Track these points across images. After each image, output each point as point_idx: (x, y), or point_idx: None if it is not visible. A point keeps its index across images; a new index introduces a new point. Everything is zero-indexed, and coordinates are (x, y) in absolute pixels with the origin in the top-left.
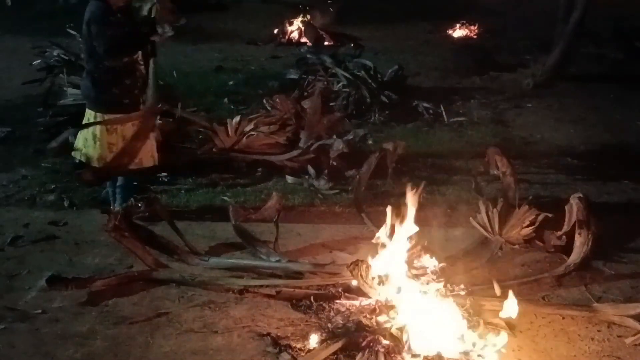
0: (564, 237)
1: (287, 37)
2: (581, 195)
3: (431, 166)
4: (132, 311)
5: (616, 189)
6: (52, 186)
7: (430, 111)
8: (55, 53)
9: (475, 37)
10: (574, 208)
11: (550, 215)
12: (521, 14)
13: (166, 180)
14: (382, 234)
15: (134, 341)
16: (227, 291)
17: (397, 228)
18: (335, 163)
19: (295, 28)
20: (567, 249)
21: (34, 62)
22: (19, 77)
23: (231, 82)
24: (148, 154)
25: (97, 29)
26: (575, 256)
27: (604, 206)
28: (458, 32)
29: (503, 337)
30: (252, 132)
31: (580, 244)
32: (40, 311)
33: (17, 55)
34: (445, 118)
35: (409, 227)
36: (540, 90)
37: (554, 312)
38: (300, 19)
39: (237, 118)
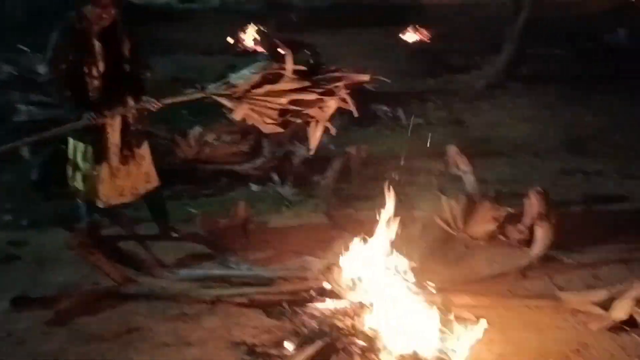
0: (525, 230)
1: (242, 47)
2: (540, 189)
3: (394, 168)
4: (103, 328)
5: (571, 182)
6: (9, 205)
7: (389, 114)
8: (5, 69)
9: (428, 40)
10: (533, 202)
11: (511, 210)
12: (471, 17)
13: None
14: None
15: (105, 358)
16: (199, 302)
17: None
18: (299, 169)
19: (249, 37)
20: (529, 242)
21: None
22: None
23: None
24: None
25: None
26: (538, 248)
27: (561, 199)
28: (411, 37)
29: (478, 330)
30: (214, 142)
31: (542, 236)
32: (5, 334)
33: None
34: (404, 121)
35: (382, 228)
36: (494, 91)
37: (521, 304)
38: (254, 27)
39: (198, 128)
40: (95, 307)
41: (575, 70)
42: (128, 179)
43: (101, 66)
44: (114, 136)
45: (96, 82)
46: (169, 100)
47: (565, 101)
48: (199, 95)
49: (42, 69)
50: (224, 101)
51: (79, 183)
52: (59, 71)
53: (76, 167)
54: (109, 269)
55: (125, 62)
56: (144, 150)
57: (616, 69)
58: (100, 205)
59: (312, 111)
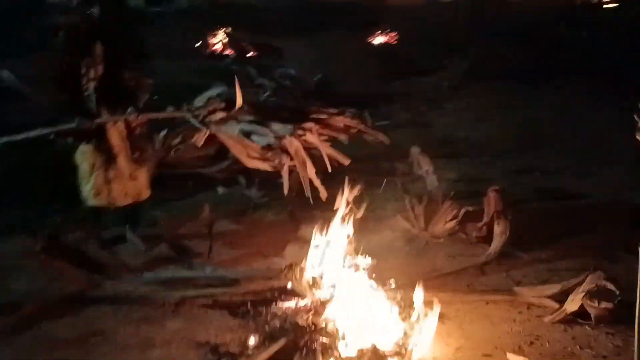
0: (484, 227)
1: (210, 50)
2: (497, 187)
3: (359, 169)
4: (67, 333)
5: (529, 179)
6: None
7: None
8: None
9: (393, 43)
10: (491, 200)
11: (471, 208)
12: (432, 19)
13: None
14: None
15: None
16: (163, 305)
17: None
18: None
19: (218, 40)
20: (488, 239)
21: None
22: None
23: (155, 97)
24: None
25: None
26: (495, 245)
27: (519, 196)
28: (377, 39)
29: (432, 322)
30: (180, 146)
31: (499, 233)
32: None
33: None
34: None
35: (340, 226)
36: (458, 92)
37: (478, 299)
38: (222, 31)
39: (164, 132)
40: (59, 312)
41: (527, 69)
42: (127, 182)
43: (99, 69)
44: (116, 139)
45: (92, 85)
46: (150, 115)
47: (522, 100)
48: (178, 114)
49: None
50: (199, 125)
51: (88, 192)
52: (57, 72)
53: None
54: (72, 274)
55: (124, 67)
56: (145, 157)
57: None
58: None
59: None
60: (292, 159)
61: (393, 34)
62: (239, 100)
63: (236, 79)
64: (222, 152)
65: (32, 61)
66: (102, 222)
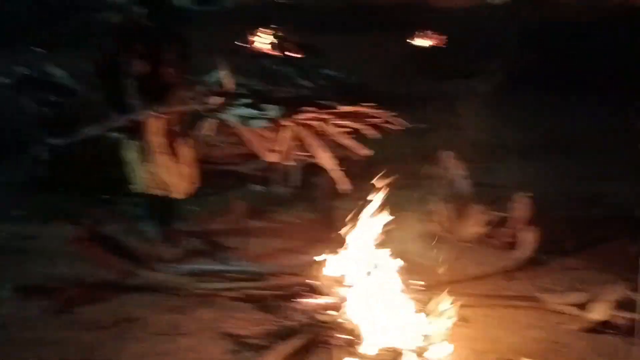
0: (512, 233)
1: (252, 49)
2: (525, 193)
3: (389, 170)
4: (103, 317)
5: (562, 186)
6: (17, 201)
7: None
8: (19, 70)
9: (436, 45)
10: (520, 206)
11: (500, 214)
12: (478, 22)
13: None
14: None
15: (105, 345)
16: (194, 296)
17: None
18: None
19: (260, 39)
20: (516, 245)
21: None
22: None
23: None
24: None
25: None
26: (522, 251)
27: (550, 203)
28: (420, 41)
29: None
30: (218, 143)
31: (527, 240)
32: (12, 320)
33: None
34: (404, 124)
35: (368, 226)
36: (497, 96)
37: (504, 304)
38: (265, 30)
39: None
40: (98, 297)
41: (577, 75)
42: (166, 176)
43: (141, 67)
44: (156, 136)
45: (134, 82)
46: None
47: (564, 106)
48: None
49: (55, 70)
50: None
51: (137, 181)
52: (102, 69)
53: (132, 166)
54: (111, 262)
55: (167, 66)
56: (184, 153)
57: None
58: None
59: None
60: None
61: (434, 36)
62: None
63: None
64: None
65: (83, 57)
66: (151, 214)
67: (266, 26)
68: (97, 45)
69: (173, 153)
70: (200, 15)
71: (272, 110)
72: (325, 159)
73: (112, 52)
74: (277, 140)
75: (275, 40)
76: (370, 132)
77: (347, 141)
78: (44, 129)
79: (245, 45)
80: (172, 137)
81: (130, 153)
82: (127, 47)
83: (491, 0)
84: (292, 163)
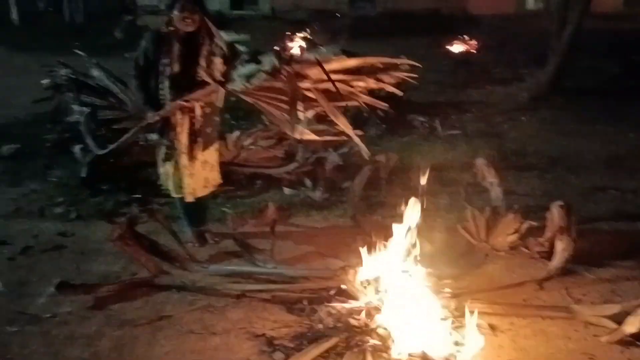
0: (546, 243)
1: (288, 54)
2: (562, 202)
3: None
4: (136, 315)
5: (603, 198)
6: (60, 199)
7: (426, 125)
8: (63, 72)
9: (472, 51)
10: (555, 215)
11: (534, 223)
12: (517, 29)
13: (168, 192)
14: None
15: (138, 342)
16: (225, 296)
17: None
18: (330, 175)
19: (296, 44)
20: (550, 255)
21: (43, 81)
22: (27, 95)
23: (233, 99)
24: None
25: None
26: (557, 261)
27: (590, 215)
28: (456, 47)
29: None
30: (251, 146)
31: (562, 249)
32: (50, 315)
33: (25, 73)
34: (440, 131)
35: (400, 232)
36: (536, 104)
37: (534, 314)
38: (301, 35)
39: (237, 132)
40: (131, 295)
41: (621, 85)
42: (192, 177)
43: (175, 67)
44: (182, 136)
45: (167, 82)
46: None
47: (608, 116)
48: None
49: (95, 72)
50: (243, 97)
51: (171, 186)
52: (140, 70)
53: (167, 172)
54: (145, 261)
55: (200, 67)
56: (209, 154)
57: None
58: (188, 198)
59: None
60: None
61: (472, 42)
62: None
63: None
64: (290, 154)
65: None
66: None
67: (301, 31)
68: (137, 47)
69: (201, 155)
70: (235, 20)
71: (267, 59)
72: (343, 123)
73: (151, 54)
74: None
75: (310, 45)
76: (389, 88)
77: (366, 98)
78: (85, 130)
79: (281, 49)
80: (201, 138)
81: (162, 155)
82: (165, 49)
83: (529, 6)
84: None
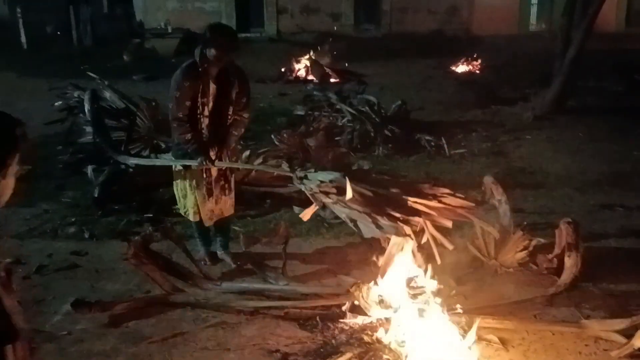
0: (555, 259)
1: (294, 75)
2: (570, 219)
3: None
4: (151, 332)
5: (609, 215)
6: (73, 219)
7: (432, 144)
8: (75, 94)
9: (477, 72)
10: (563, 232)
11: (543, 240)
12: (521, 49)
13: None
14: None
15: (153, 358)
16: (239, 313)
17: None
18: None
19: (302, 66)
20: (559, 271)
21: (56, 103)
22: (38, 118)
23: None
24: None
25: (170, 90)
26: (566, 277)
27: (597, 232)
28: (461, 68)
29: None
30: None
31: (570, 265)
32: (65, 332)
33: (36, 96)
34: (447, 150)
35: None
36: (540, 123)
37: (545, 329)
38: (306, 57)
39: (247, 152)
40: (146, 312)
41: (625, 104)
42: (217, 205)
43: (210, 106)
44: (212, 171)
45: (205, 121)
46: (261, 167)
47: (613, 135)
48: (288, 174)
49: (107, 93)
50: (309, 195)
51: (186, 208)
52: (185, 109)
53: (184, 196)
54: (159, 279)
55: (231, 103)
56: (233, 183)
57: None
58: (206, 223)
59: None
60: None
61: (476, 62)
62: (349, 194)
63: (347, 179)
64: None
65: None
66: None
67: (307, 53)
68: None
69: (222, 184)
70: (241, 42)
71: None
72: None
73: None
74: None
75: (315, 67)
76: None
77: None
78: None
79: (286, 71)
80: (224, 172)
81: (182, 182)
82: (201, 87)
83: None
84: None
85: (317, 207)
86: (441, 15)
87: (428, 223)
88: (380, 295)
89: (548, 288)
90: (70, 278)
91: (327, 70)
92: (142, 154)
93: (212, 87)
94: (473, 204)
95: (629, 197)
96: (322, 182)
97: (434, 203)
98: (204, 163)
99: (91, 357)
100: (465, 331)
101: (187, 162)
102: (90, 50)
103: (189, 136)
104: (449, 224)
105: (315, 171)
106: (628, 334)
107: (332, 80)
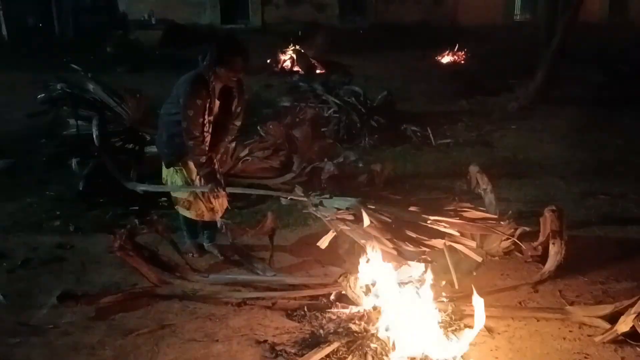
0: (539, 247)
1: (280, 66)
2: (554, 207)
3: (418, 186)
4: (138, 324)
5: (593, 203)
6: (57, 212)
7: (418, 134)
8: (58, 86)
9: (462, 62)
10: (548, 220)
11: (527, 228)
12: (506, 39)
13: (166, 204)
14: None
15: (140, 350)
16: (226, 304)
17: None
18: (326, 185)
19: (287, 57)
20: (543, 258)
21: (39, 96)
22: (20, 111)
23: None
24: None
25: (182, 107)
26: (550, 264)
27: (581, 219)
28: (446, 59)
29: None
30: (247, 157)
31: (555, 252)
32: (52, 326)
33: (17, 90)
34: (433, 141)
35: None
36: (525, 113)
37: (529, 315)
38: (292, 48)
39: (233, 144)
40: (133, 305)
41: (607, 94)
42: (217, 200)
43: (212, 119)
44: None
45: (208, 138)
46: (276, 194)
47: (596, 124)
48: (302, 199)
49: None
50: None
51: (180, 203)
52: (199, 127)
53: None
54: (146, 271)
55: (231, 118)
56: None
57: None
58: (205, 218)
59: None
60: None
61: (461, 53)
62: (366, 222)
63: (364, 213)
64: (287, 164)
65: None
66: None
67: (293, 44)
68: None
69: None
70: (228, 34)
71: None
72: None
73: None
74: None
75: (301, 58)
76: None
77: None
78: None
79: (271, 62)
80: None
81: (176, 176)
82: (207, 105)
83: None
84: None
85: (334, 234)
86: (426, 5)
87: (451, 243)
88: (367, 285)
89: (533, 275)
90: (55, 271)
91: (313, 61)
92: (127, 146)
93: (217, 103)
94: (495, 216)
95: (612, 184)
96: (338, 209)
97: (455, 220)
98: (216, 189)
99: (78, 350)
100: (452, 319)
101: (198, 189)
102: (72, 42)
103: (203, 159)
104: (440, 245)
105: (331, 197)
106: (611, 319)
107: (317, 71)
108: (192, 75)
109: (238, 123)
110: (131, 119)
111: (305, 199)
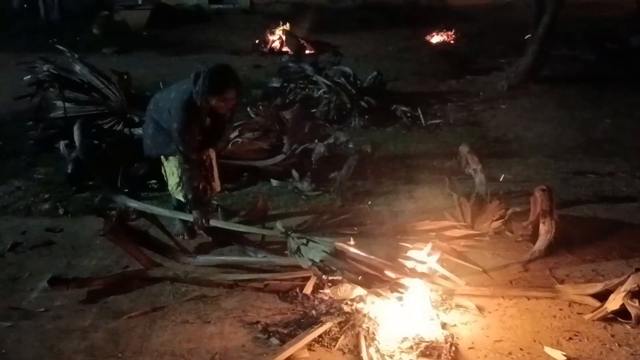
0: (530, 226)
1: (269, 47)
2: (544, 186)
3: (408, 166)
4: (130, 307)
5: (582, 182)
6: (46, 196)
7: (409, 115)
8: (45, 68)
9: (452, 42)
10: (538, 199)
11: (518, 208)
12: (495, 18)
13: (156, 187)
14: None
15: (133, 333)
16: (218, 286)
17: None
18: (317, 166)
19: (276, 38)
20: (533, 238)
21: (25, 78)
22: (5, 93)
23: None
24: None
25: (175, 131)
26: (540, 243)
27: (571, 198)
28: (436, 38)
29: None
30: (237, 139)
31: (545, 232)
32: (43, 309)
33: (3, 72)
34: (423, 121)
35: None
36: (515, 92)
37: (520, 294)
38: (281, 28)
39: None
40: (124, 287)
41: (597, 72)
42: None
43: (202, 130)
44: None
45: (197, 155)
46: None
47: (585, 103)
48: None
49: (77, 67)
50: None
51: (174, 186)
52: (195, 149)
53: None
54: (137, 254)
55: (221, 134)
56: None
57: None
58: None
59: None
60: None
61: (451, 33)
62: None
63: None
64: (277, 146)
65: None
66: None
67: (281, 25)
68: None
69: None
70: (214, 14)
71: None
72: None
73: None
74: None
75: (290, 38)
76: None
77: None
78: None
79: (260, 43)
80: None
81: (170, 164)
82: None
83: None
84: None
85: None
86: None
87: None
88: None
89: (523, 254)
90: (45, 255)
91: (302, 41)
92: (115, 128)
93: (208, 121)
94: (479, 232)
95: (601, 163)
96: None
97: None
98: (200, 222)
99: (70, 334)
100: (443, 299)
101: (183, 217)
102: (58, 24)
103: (196, 183)
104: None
105: (307, 243)
106: (601, 297)
107: (307, 51)
108: (185, 99)
109: (227, 125)
110: (118, 100)
111: (284, 238)
